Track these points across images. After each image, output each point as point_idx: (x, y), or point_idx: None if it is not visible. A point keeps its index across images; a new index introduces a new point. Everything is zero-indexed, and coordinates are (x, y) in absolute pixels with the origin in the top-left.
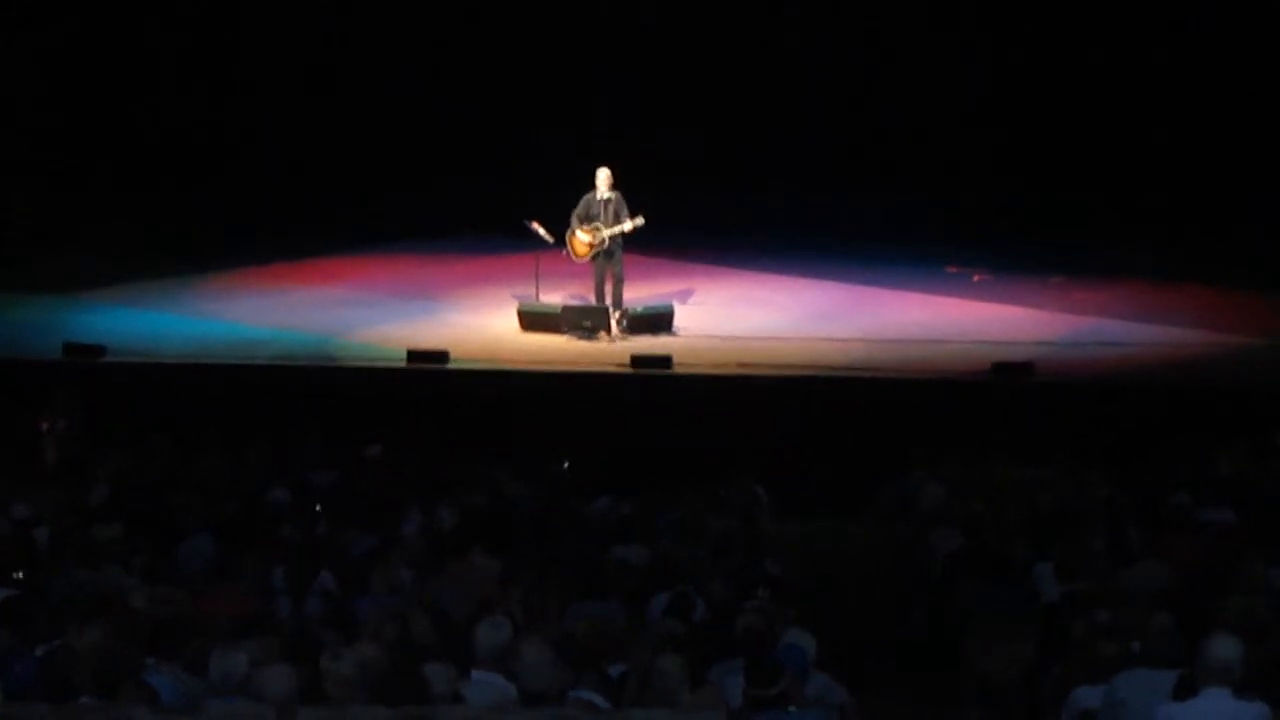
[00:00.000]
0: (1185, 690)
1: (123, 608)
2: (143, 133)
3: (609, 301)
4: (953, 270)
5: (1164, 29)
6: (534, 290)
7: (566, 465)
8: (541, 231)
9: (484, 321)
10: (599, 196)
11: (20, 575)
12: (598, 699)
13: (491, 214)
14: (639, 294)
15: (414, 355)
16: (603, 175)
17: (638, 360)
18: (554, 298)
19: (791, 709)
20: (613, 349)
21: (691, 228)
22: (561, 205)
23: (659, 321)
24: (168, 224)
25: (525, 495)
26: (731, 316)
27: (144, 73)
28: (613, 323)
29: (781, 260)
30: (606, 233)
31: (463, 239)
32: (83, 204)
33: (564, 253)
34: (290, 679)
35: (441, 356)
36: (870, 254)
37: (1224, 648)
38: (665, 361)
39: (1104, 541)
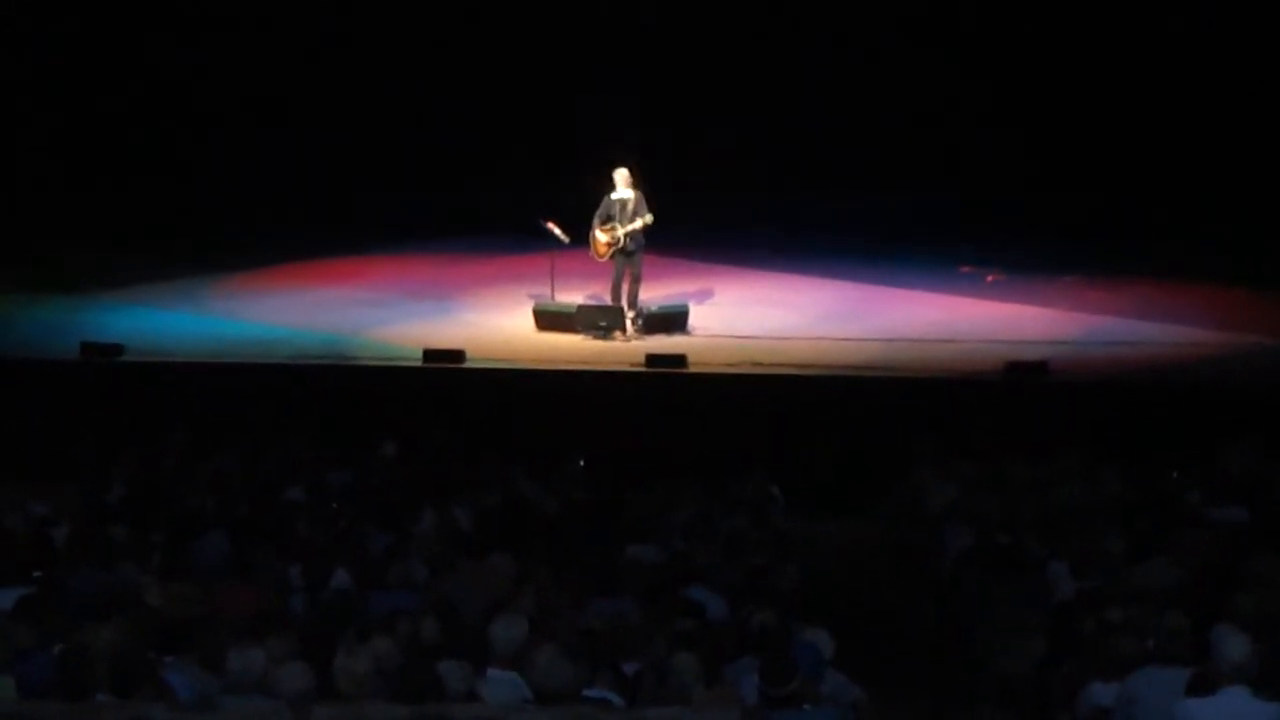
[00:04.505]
0: (1200, 688)
1: (139, 606)
2: (160, 130)
3: (624, 301)
4: (966, 270)
5: (1177, 28)
6: (549, 290)
7: (581, 464)
8: (557, 231)
9: (499, 321)
10: (617, 196)
11: (38, 574)
12: (613, 697)
13: (507, 214)
14: (654, 294)
15: (430, 354)
16: (620, 175)
17: (652, 359)
18: (569, 297)
19: (806, 707)
20: (628, 348)
21: (706, 228)
22: (576, 205)
23: (674, 321)
24: (185, 223)
25: (540, 494)
26: (746, 316)
27: (159, 72)
28: (628, 322)
29: (796, 260)
30: (621, 231)
31: (478, 239)
32: (99, 203)
33: (589, 252)
34: (306, 677)
35: (457, 356)
36: (884, 254)
37: (1235, 647)
38: (680, 361)
39: (1117, 540)
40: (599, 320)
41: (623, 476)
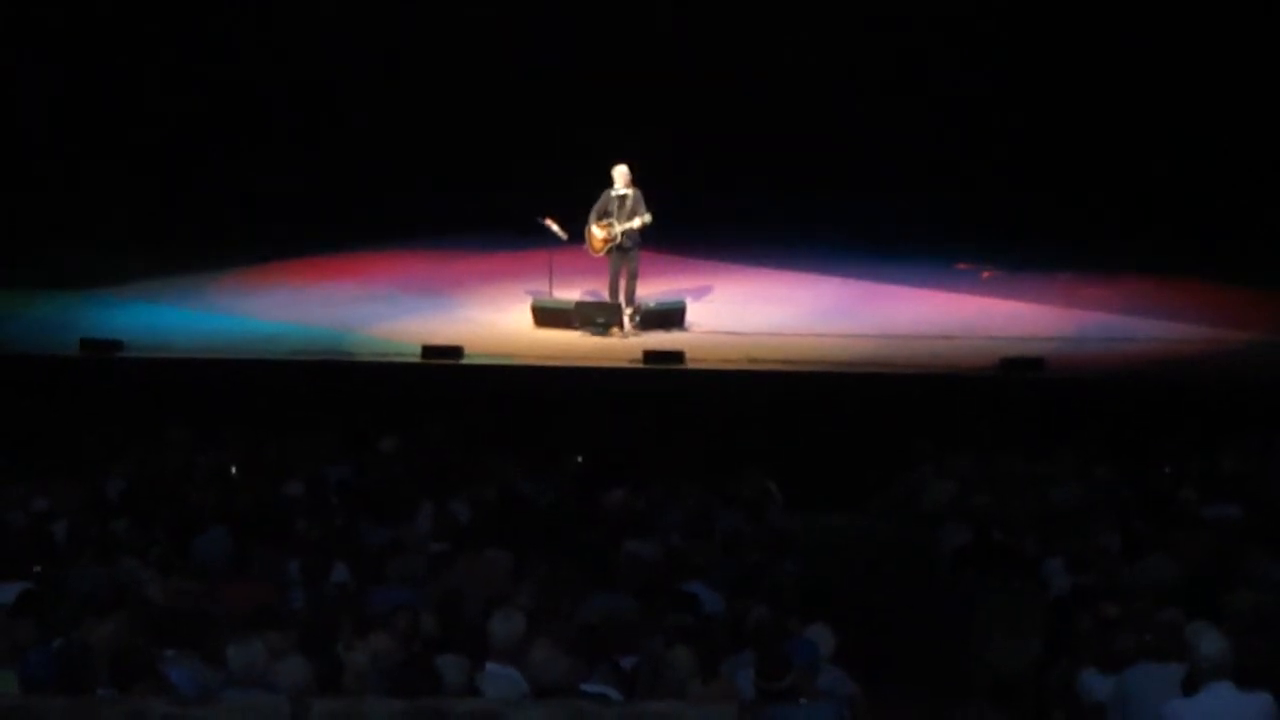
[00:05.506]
0: (1193, 685)
1: (139, 600)
2: (159, 128)
3: (622, 298)
4: (962, 267)
5: (1171, 25)
6: (548, 286)
7: (579, 459)
8: (555, 228)
9: (498, 317)
10: (615, 193)
11: (38, 568)
12: (610, 691)
13: (505, 211)
14: (652, 290)
15: (429, 350)
16: (619, 172)
17: (650, 356)
18: (567, 294)
19: (802, 701)
20: (625, 344)
21: (703, 225)
22: (574, 203)
23: (671, 317)
24: (184, 219)
25: (538, 489)
26: (743, 312)
27: (161, 68)
28: (625, 318)
29: (792, 257)
30: (619, 228)
31: (477, 235)
32: (98, 199)
33: (584, 247)
34: (305, 671)
35: (456, 352)
36: (880, 251)
37: (1210, 643)
38: (677, 357)
39: (1112, 536)
40: (597, 316)
41: (618, 472)
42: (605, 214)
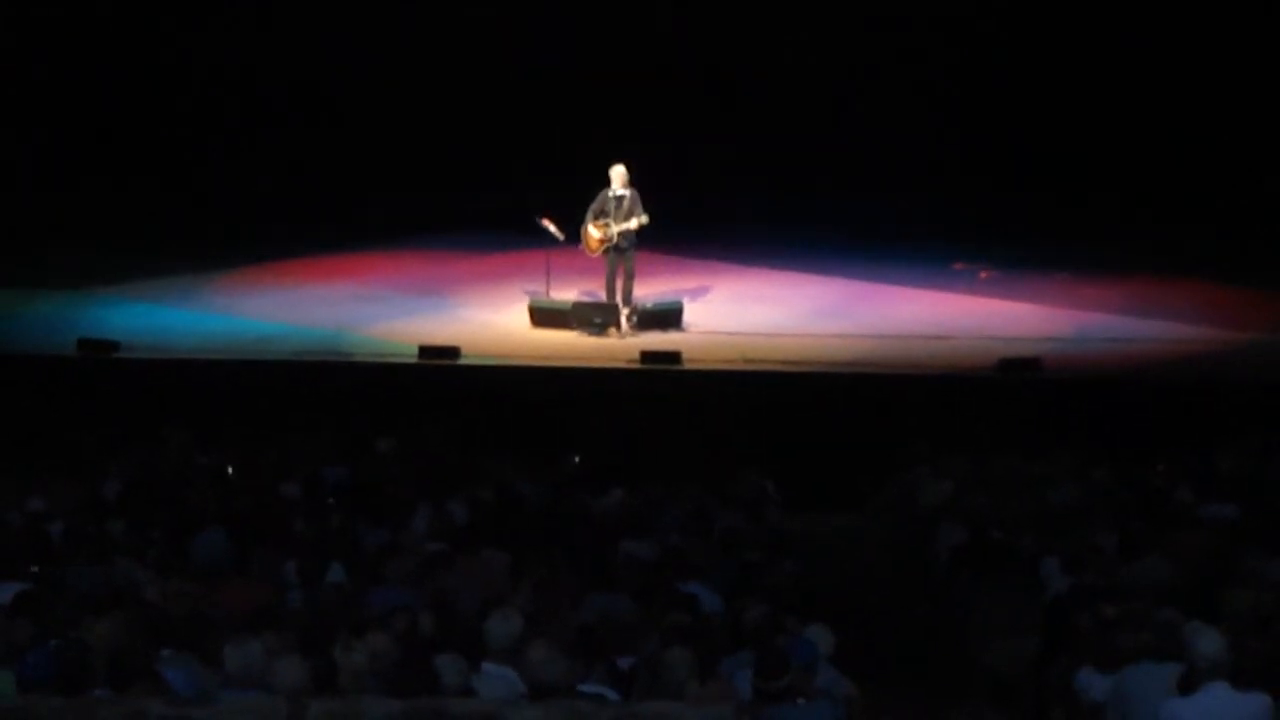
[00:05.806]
0: (1190, 684)
1: (136, 601)
2: (158, 127)
3: (619, 298)
4: (959, 267)
5: (1171, 24)
6: (545, 286)
7: (576, 460)
8: (552, 228)
9: (495, 317)
10: (612, 193)
11: (35, 569)
12: (608, 691)
13: (503, 211)
14: (649, 290)
15: (425, 351)
16: (616, 172)
17: (647, 356)
18: (565, 294)
19: (800, 701)
20: (622, 345)
21: (702, 225)
22: (572, 203)
23: (668, 317)
24: (181, 220)
25: (535, 489)
26: (740, 313)
27: (156, 68)
28: (622, 319)
29: (789, 257)
30: (615, 229)
31: (474, 235)
32: (95, 199)
33: (580, 246)
34: (302, 671)
35: (453, 352)
36: (877, 250)
37: (1207, 643)
38: (674, 357)
39: (1109, 536)
40: (594, 317)
41: (615, 472)
42: (602, 214)
